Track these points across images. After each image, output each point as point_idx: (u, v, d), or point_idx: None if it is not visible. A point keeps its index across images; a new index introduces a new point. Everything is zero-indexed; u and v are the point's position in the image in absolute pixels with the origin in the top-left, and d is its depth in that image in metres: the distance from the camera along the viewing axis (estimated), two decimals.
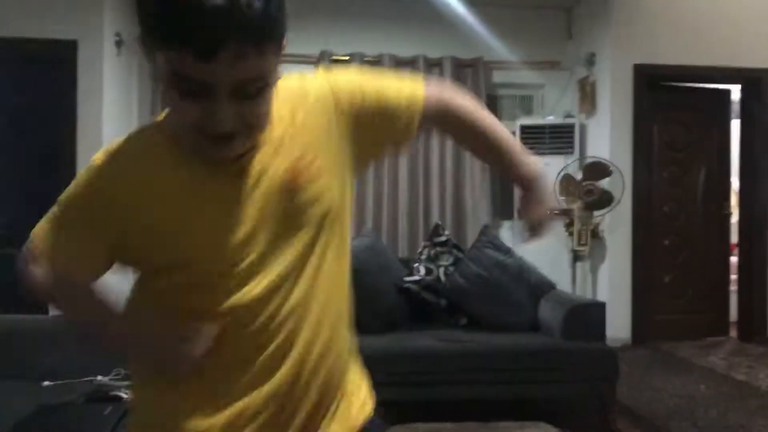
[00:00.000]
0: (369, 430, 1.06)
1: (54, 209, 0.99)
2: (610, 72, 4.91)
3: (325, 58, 5.11)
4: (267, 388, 0.94)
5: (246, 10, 0.77)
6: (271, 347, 0.93)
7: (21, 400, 2.16)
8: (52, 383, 2.33)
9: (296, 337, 0.94)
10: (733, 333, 5.24)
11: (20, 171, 4.94)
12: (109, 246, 0.93)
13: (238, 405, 0.93)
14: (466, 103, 1.11)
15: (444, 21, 4.89)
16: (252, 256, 0.91)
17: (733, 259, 5.47)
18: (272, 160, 0.94)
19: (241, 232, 0.91)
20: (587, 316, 3.30)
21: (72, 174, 4.32)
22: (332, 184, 0.98)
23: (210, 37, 0.77)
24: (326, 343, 0.98)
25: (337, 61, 5.14)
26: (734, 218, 5.54)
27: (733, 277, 5.38)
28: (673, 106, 5.21)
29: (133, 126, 4.97)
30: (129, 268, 0.98)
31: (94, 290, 0.98)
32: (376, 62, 5.17)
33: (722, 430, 3.12)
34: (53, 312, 3.65)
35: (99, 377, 2.34)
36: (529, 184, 1.14)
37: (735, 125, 5.42)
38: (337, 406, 1.02)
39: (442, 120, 1.10)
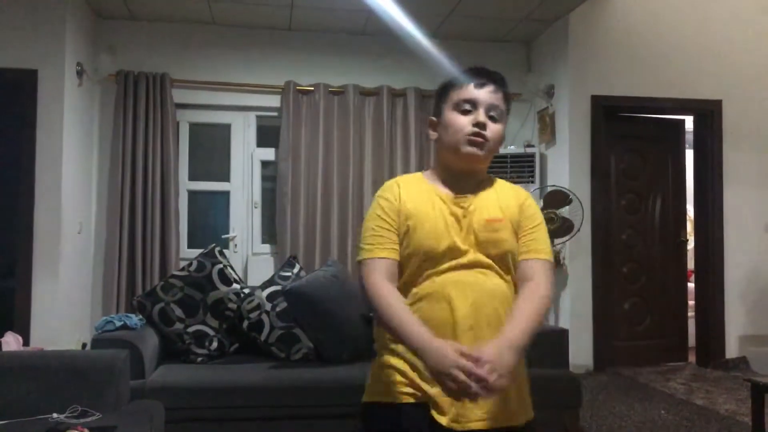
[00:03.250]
0: None
1: (365, 233, 1.58)
2: (569, 103, 5.05)
3: (289, 88, 5.14)
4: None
5: (500, 80, 1.59)
6: None
7: None
8: (5, 422, 2.26)
9: None
10: (692, 358, 5.34)
11: None
12: (399, 234, 1.54)
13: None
14: (532, 299, 1.49)
15: (408, 53, 4.98)
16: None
17: (690, 285, 5.59)
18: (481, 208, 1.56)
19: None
20: (551, 342, 3.33)
21: (31, 204, 4.25)
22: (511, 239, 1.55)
23: (483, 80, 1.56)
24: None
25: (301, 92, 5.18)
26: (690, 245, 5.69)
27: (691, 302, 5.49)
28: (630, 136, 5.36)
29: (93, 156, 4.93)
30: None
31: (396, 295, 1.48)
32: (340, 93, 5.22)
33: None
34: (5, 348, 3.54)
35: (55, 415, 2.27)
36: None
37: (688, 154, 5.60)
38: None
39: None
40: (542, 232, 1.58)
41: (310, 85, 5.19)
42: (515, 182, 5.14)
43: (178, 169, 5.07)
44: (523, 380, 1.53)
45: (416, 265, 1.51)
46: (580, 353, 4.73)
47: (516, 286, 1.55)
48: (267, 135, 5.35)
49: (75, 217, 4.54)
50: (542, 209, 4.75)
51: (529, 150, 5.29)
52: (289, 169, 5.09)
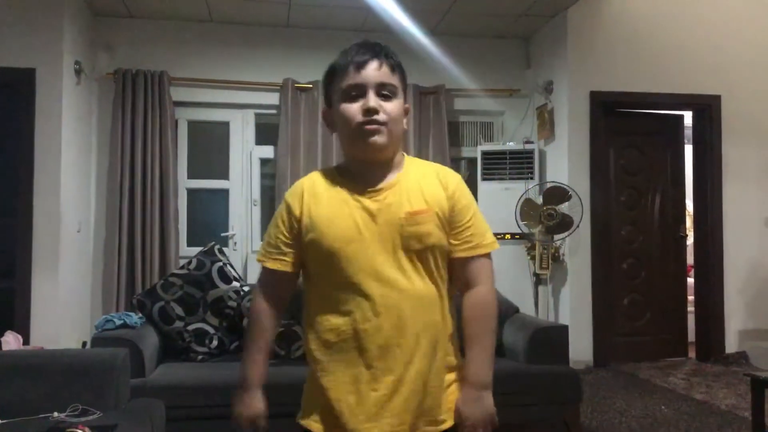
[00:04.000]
0: None
1: (265, 235, 1.50)
2: (568, 99, 5.04)
3: (288, 86, 5.13)
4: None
5: (382, 52, 1.43)
6: None
7: None
8: (5, 421, 2.26)
9: None
10: (692, 353, 5.34)
11: None
12: (299, 244, 1.42)
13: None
14: (485, 319, 1.43)
15: (407, 50, 4.97)
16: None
17: (690, 281, 5.59)
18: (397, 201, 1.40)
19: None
20: (551, 338, 3.33)
21: (30, 203, 4.24)
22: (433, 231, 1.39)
23: (362, 59, 1.39)
24: None
25: (299, 89, 5.17)
26: (689, 240, 5.69)
27: (690, 298, 5.49)
28: (629, 131, 5.35)
29: (91, 154, 4.92)
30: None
31: (264, 328, 1.48)
32: None
33: None
34: (5, 347, 3.54)
35: (55, 414, 2.28)
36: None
37: (688, 150, 5.60)
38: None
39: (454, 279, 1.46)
40: (479, 221, 1.45)
41: (309, 83, 5.18)
42: (515, 179, 5.25)
43: (177, 167, 5.06)
44: (439, 387, 1.41)
45: (329, 272, 1.37)
46: (580, 349, 4.73)
47: (450, 284, 1.44)
48: (266, 132, 5.34)
49: (74, 216, 4.54)
50: (541, 205, 4.76)
51: (528, 146, 5.28)
52: (288, 167, 5.09)
